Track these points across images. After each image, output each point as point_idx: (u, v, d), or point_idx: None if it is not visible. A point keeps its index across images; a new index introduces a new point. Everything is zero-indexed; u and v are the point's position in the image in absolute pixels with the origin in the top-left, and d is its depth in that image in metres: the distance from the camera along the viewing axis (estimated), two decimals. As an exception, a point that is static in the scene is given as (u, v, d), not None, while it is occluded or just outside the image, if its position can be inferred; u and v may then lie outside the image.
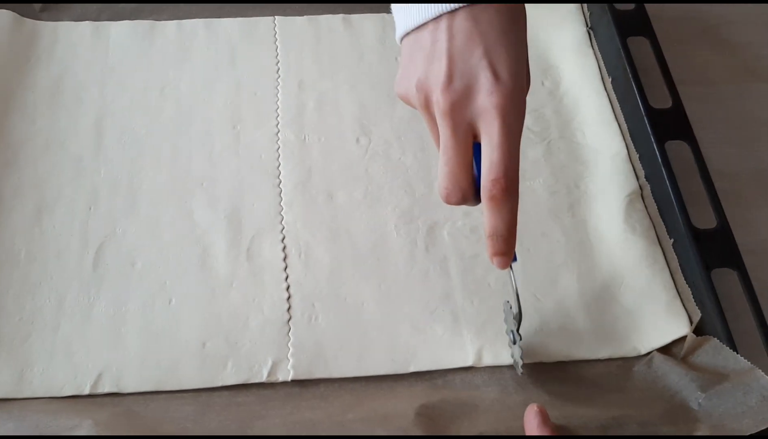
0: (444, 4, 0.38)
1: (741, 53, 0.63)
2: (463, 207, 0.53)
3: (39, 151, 0.55)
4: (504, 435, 0.41)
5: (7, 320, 0.48)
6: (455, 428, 0.42)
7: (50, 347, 0.47)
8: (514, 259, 0.41)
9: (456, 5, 0.38)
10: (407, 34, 0.41)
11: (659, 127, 0.53)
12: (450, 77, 0.38)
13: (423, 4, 0.39)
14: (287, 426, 0.42)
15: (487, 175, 0.38)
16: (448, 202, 0.41)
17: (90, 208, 0.52)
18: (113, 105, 0.58)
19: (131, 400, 0.45)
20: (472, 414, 0.43)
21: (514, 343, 0.46)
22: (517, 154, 0.39)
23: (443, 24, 0.39)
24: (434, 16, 0.39)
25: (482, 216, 0.40)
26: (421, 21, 0.39)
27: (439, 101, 0.38)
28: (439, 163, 0.40)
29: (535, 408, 0.41)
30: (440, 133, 0.40)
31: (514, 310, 0.45)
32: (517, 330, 0.45)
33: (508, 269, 0.42)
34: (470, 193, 0.40)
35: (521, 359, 0.45)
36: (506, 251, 0.40)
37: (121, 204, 0.53)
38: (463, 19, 0.38)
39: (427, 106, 0.40)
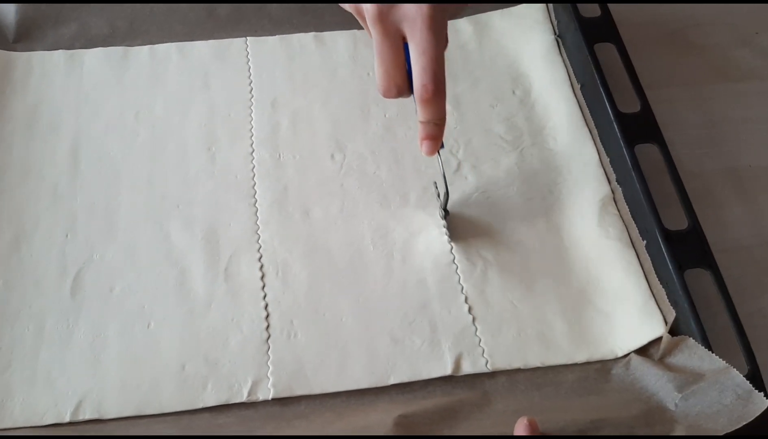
0: None
1: (708, 54, 0.64)
2: (437, 218, 0.54)
3: (16, 180, 0.55)
4: (505, 435, 0.41)
5: (-14, 351, 0.48)
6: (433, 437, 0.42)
7: (30, 375, 0.47)
8: (441, 146, 0.49)
9: None
10: None
11: (628, 131, 0.54)
12: None
13: None
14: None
15: (417, 80, 0.44)
16: (386, 97, 0.47)
17: (67, 235, 0.53)
18: (89, 131, 0.58)
19: (113, 426, 0.45)
20: (450, 422, 0.43)
21: (444, 219, 0.53)
22: (443, 58, 0.45)
23: None
24: None
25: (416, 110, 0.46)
26: None
27: (368, 9, 0.44)
28: (375, 63, 0.46)
29: (525, 421, 0.41)
30: (373, 38, 0.45)
31: (441, 190, 0.52)
32: (445, 207, 0.52)
33: (436, 156, 0.49)
34: (404, 88, 0.46)
35: (448, 232, 0.52)
36: (436, 135, 0.47)
37: (98, 229, 0.53)
38: None
39: (362, 15, 0.46)
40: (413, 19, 0.43)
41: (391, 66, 0.45)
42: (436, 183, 0.54)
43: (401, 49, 0.45)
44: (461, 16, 0.65)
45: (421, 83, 0.44)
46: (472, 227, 0.54)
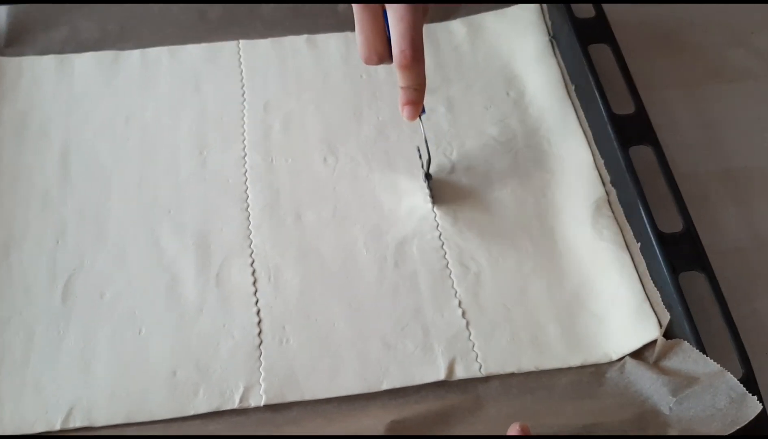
0: None
1: (703, 55, 0.64)
2: (431, 221, 0.53)
3: (6, 186, 0.55)
4: (503, 435, 0.41)
5: (-26, 359, 0.47)
6: (426, 443, 0.42)
7: (20, 383, 0.47)
8: (423, 111, 0.50)
9: None
10: None
11: (622, 133, 0.53)
12: None
13: None
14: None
15: (395, 47, 0.45)
16: (367, 64, 0.48)
17: (58, 241, 0.52)
18: (79, 137, 0.58)
19: (103, 433, 0.45)
20: (443, 427, 0.43)
21: (427, 183, 0.54)
22: (420, 25, 0.45)
23: None
24: None
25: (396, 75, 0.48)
26: None
27: None
28: (356, 31, 0.46)
29: (517, 426, 0.40)
30: (353, 6, 0.46)
31: (424, 155, 0.53)
32: (427, 170, 0.54)
33: (417, 120, 0.50)
34: (385, 55, 0.47)
35: (431, 195, 0.54)
36: (416, 100, 0.48)
37: (89, 235, 0.53)
38: None
39: None
40: None
41: (370, 33, 0.46)
42: (419, 148, 0.55)
43: (380, 17, 0.46)
44: (455, 18, 0.65)
45: (399, 49, 0.45)
46: (466, 229, 0.53)
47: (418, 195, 0.55)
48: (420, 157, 0.55)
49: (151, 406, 0.46)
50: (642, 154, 0.53)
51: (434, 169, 0.56)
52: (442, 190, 0.55)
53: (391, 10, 0.45)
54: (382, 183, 0.56)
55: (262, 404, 0.46)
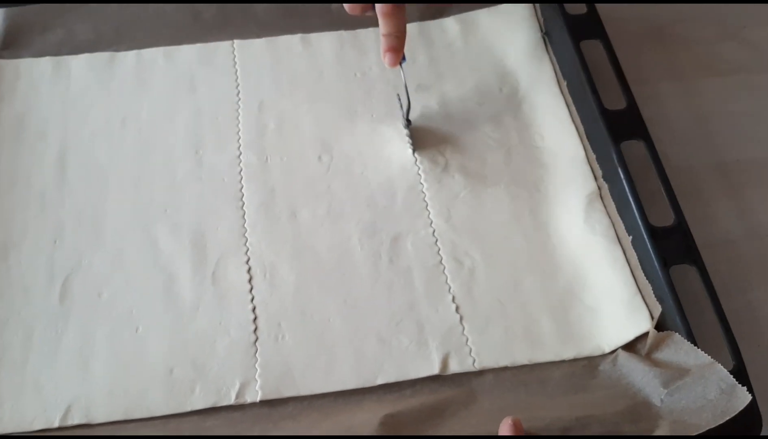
0: None
1: (695, 49, 0.64)
2: (425, 218, 0.54)
3: (4, 188, 0.56)
4: (489, 435, 0.41)
5: (-26, 358, 0.48)
6: (420, 436, 0.42)
7: (19, 382, 0.47)
8: (404, 59, 0.54)
9: None
10: None
11: (614, 128, 0.54)
12: None
13: None
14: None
15: None
16: (351, 13, 0.52)
17: (55, 242, 0.53)
18: (76, 138, 0.58)
19: (101, 430, 0.45)
20: (437, 421, 0.43)
21: (406, 128, 0.57)
22: None
23: None
24: None
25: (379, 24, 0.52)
26: None
27: None
28: None
29: (509, 421, 0.40)
30: None
31: (404, 102, 0.56)
32: (407, 117, 0.57)
33: (398, 68, 0.54)
34: (369, 5, 0.52)
35: (411, 143, 0.57)
36: (397, 47, 0.52)
37: (86, 236, 0.53)
38: None
39: None
40: None
41: None
42: (399, 95, 0.57)
43: None
44: (448, 15, 0.65)
45: None
46: (460, 225, 0.54)
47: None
48: (401, 105, 0.57)
49: (149, 403, 0.46)
50: (634, 148, 0.53)
51: (428, 165, 0.56)
52: (436, 185, 0.55)
53: None
54: (376, 180, 0.56)
55: (258, 399, 0.46)
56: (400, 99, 0.57)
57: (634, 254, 0.50)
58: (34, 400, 0.46)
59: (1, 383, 0.47)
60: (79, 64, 0.62)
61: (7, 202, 0.55)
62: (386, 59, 0.53)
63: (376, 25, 0.65)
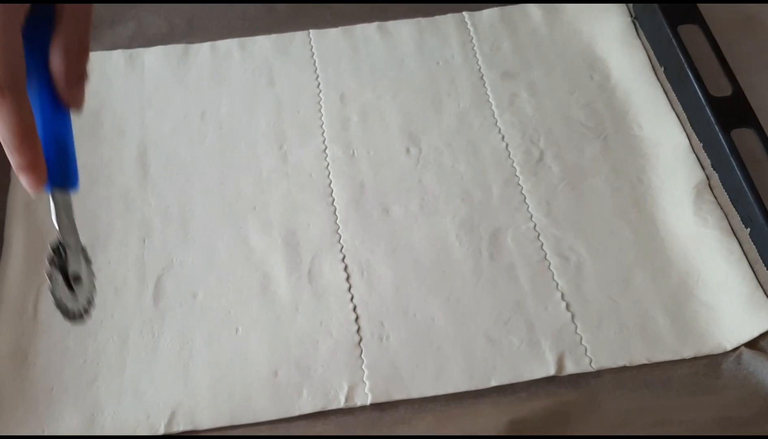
0: None
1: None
2: (524, 212, 0.52)
3: (86, 186, 0.53)
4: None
5: (72, 363, 0.46)
6: (551, 443, 0.40)
7: (118, 387, 0.46)
8: (58, 182, 0.35)
9: None
10: None
11: (722, 116, 0.51)
12: None
13: None
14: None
15: None
16: None
17: (144, 241, 0.51)
18: (155, 134, 0.57)
19: (207, 436, 0.44)
20: (564, 425, 0.42)
21: (71, 289, 0.38)
22: (13, 44, 0.33)
23: None
24: None
25: None
26: None
27: None
28: None
29: None
30: None
31: (63, 251, 0.37)
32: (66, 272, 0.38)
33: (48, 196, 0.36)
34: None
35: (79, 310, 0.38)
36: (26, 164, 0.34)
37: (175, 234, 0.52)
38: None
39: None
40: None
41: None
42: (58, 240, 0.37)
43: None
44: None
45: None
46: (561, 219, 0.51)
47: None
48: (57, 250, 0.37)
49: (255, 408, 0.45)
50: (741, 138, 0.51)
51: (522, 156, 0.54)
52: (532, 178, 0.53)
53: None
54: (468, 173, 0.54)
55: (368, 402, 0.45)
56: (59, 247, 0.37)
57: (753, 246, 0.48)
58: (136, 406, 0.45)
59: (100, 389, 0.45)
60: (153, 57, 0.61)
61: (90, 201, 0.53)
62: (23, 183, 0.34)
63: (454, 11, 0.63)
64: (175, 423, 0.44)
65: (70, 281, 0.38)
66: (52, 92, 0.36)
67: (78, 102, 0.37)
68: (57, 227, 0.37)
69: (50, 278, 0.37)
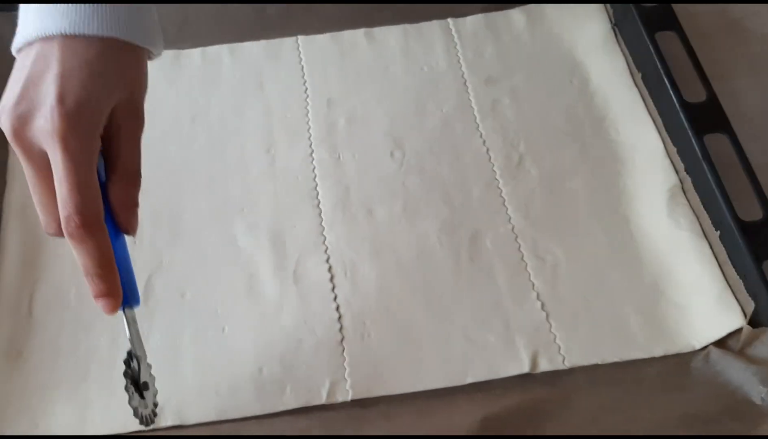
0: (40, 30, 0.37)
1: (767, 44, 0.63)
2: (503, 214, 0.53)
3: (78, 188, 0.55)
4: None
5: (64, 360, 0.48)
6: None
7: (108, 383, 0.47)
8: (128, 301, 0.40)
9: (49, 33, 0.37)
10: (18, 51, 0.39)
11: (696, 121, 0.53)
12: (18, 101, 0.36)
13: (26, 27, 0.38)
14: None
15: (60, 212, 0.36)
16: (49, 234, 0.38)
17: (134, 242, 0.53)
18: (146, 136, 0.57)
19: (195, 431, 0.45)
20: (536, 422, 0.43)
21: (142, 396, 0.43)
22: (91, 185, 0.37)
23: (35, 49, 0.38)
24: (29, 40, 0.38)
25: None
26: (21, 43, 0.38)
27: (3, 125, 0.37)
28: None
29: None
30: (23, 166, 0.38)
31: (135, 363, 0.42)
32: (138, 382, 0.43)
33: (121, 313, 0.40)
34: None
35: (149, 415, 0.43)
36: (106, 291, 0.38)
37: (165, 236, 0.53)
38: (52, 45, 0.37)
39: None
40: (47, 138, 0.36)
41: (43, 195, 0.38)
42: (129, 352, 0.42)
43: (51, 173, 0.37)
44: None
45: (63, 216, 0.36)
46: (539, 221, 0.53)
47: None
48: (129, 363, 0.42)
49: (240, 403, 0.46)
50: (714, 143, 0.53)
51: (502, 160, 0.56)
52: (512, 181, 0.55)
53: (53, 167, 0.36)
54: (450, 176, 0.56)
55: (349, 398, 0.46)
56: (130, 357, 0.42)
57: (723, 249, 0.49)
58: (125, 402, 0.46)
59: (91, 385, 0.47)
60: (145, 62, 0.62)
61: (83, 202, 0.55)
62: (101, 306, 0.39)
63: (439, 18, 0.65)
64: (163, 418, 0.46)
65: (141, 389, 0.43)
66: (111, 220, 0.39)
67: (135, 228, 0.41)
68: (130, 341, 0.41)
69: (127, 390, 0.42)
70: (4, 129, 0.37)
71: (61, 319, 0.50)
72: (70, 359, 0.48)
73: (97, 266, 0.37)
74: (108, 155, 0.39)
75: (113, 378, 0.47)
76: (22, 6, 0.40)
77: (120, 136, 0.39)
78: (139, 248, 0.53)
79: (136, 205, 0.41)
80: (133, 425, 0.45)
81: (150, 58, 0.42)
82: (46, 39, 0.37)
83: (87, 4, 0.38)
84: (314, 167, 0.57)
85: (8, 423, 0.45)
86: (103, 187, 0.39)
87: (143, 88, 0.42)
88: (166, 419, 0.46)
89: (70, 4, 0.37)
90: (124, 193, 0.40)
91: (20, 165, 0.38)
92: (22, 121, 0.36)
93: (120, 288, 0.39)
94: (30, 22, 0.38)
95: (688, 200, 0.53)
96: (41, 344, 0.48)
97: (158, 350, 0.48)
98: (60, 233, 0.38)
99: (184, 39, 0.64)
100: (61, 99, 0.36)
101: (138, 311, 0.49)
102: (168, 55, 0.63)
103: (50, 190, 0.37)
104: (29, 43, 0.38)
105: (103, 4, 0.38)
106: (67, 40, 0.37)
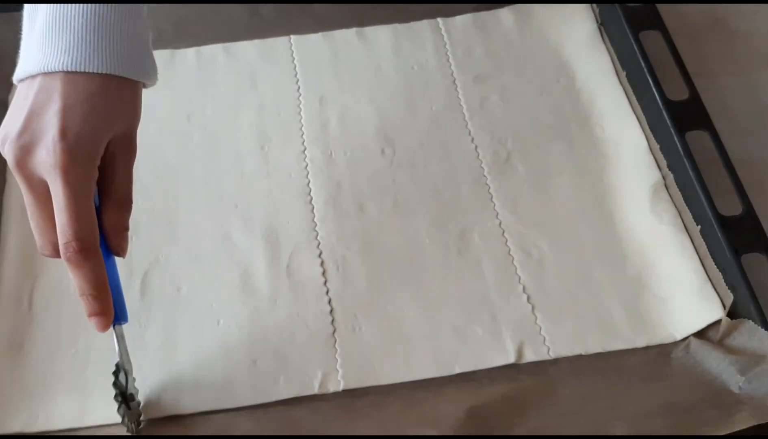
0: (42, 65, 0.39)
1: (752, 41, 0.64)
2: (491, 210, 0.55)
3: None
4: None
5: (64, 353, 0.49)
6: (506, 426, 0.43)
7: (107, 375, 0.48)
8: (118, 319, 0.43)
9: (52, 69, 0.39)
10: (20, 81, 0.41)
11: (678, 119, 0.54)
12: (21, 132, 0.39)
13: (29, 59, 0.40)
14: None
15: (60, 238, 0.39)
16: (45, 256, 0.41)
17: (132, 238, 0.54)
18: (142, 135, 0.58)
19: (190, 420, 0.47)
20: (520, 410, 0.44)
21: (129, 408, 0.45)
22: (89, 214, 0.40)
23: (37, 82, 0.40)
24: (32, 73, 0.40)
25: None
26: (23, 75, 0.40)
27: (7, 155, 0.39)
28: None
29: None
30: (23, 193, 0.40)
31: (122, 377, 0.45)
32: (125, 401, 0.45)
33: (111, 331, 0.43)
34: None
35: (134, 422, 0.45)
36: (100, 310, 0.41)
37: (161, 232, 0.55)
38: (54, 79, 0.39)
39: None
40: (49, 170, 0.38)
41: (41, 220, 0.40)
42: (117, 365, 0.45)
43: (51, 200, 0.39)
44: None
45: (62, 242, 0.39)
46: (526, 216, 0.54)
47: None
48: (117, 376, 0.45)
49: (235, 393, 0.48)
50: (695, 140, 0.54)
51: (490, 157, 0.57)
52: (500, 177, 0.56)
53: (54, 196, 0.39)
54: (439, 173, 0.57)
55: (340, 389, 0.48)
56: (119, 374, 0.45)
57: (703, 243, 0.51)
58: (122, 392, 0.48)
59: (90, 377, 0.49)
60: (141, 61, 0.63)
61: (81, 199, 0.56)
62: (93, 324, 0.41)
63: (429, 17, 0.66)
64: (160, 407, 0.47)
65: (127, 400, 0.45)
66: (103, 243, 0.42)
67: (125, 250, 0.44)
68: (119, 355, 0.45)
69: (115, 399, 0.44)
70: (7, 158, 0.39)
71: (60, 313, 0.51)
72: (70, 351, 0.49)
73: (92, 288, 0.40)
74: (102, 183, 0.42)
75: (111, 370, 0.48)
76: (24, 35, 0.42)
77: (115, 165, 0.42)
78: (136, 244, 0.54)
79: (126, 229, 0.43)
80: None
81: (145, 87, 0.45)
82: (49, 73, 0.39)
83: (88, 43, 0.40)
84: (307, 165, 0.58)
85: (10, 414, 0.47)
86: (96, 211, 0.41)
87: (137, 120, 0.44)
88: (163, 409, 0.47)
89: (71, 42, 0.39)
90: (117, 218, 0.43)
91: None
92: (25, 151, 0.39)
93: (112, 307, 0.42)
94: (33, 55, 0.40)
95: (670, 196, 0.54)
96: (41, 338, 0.50)
97: (155, 342, 0.50)
98: (54, 255, 0.40)
99: (179, 39, 0.65)
100: (63, 133, 0.38)
101: (136, 304, 0.51)
102: (164, 54, 0.64)
103: (48, 216, 0.40)
104: (32, 76, 0.40)
105: (105, 42, 0.40)
106: (69, 75, 0.39)
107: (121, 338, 0.45)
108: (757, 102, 0.61)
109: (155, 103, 0.60)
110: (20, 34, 0.43)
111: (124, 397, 0.45)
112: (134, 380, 0.46)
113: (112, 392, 0.47)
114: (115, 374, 0.45)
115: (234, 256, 0.53)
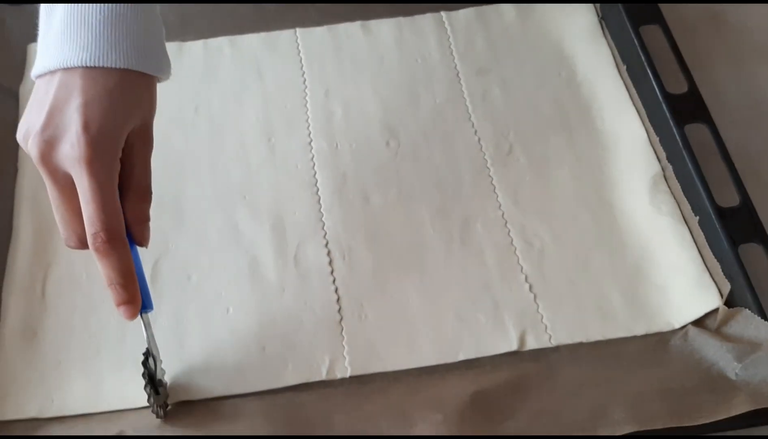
0: (62, 61, 0.40)
1: (749, 35, 0.65)
2: (493, 200, 0.56)
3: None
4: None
5: (77, 338, 0.51)
6: (509, 410, 0.45)
7: (118, 361, 0.50)
8: (146, 307, 0.43)
9: (71, 64, 0.40)
10: (38, 77, 0.42)
11: (677, 111, 0.55)
12: (44, 127, 0.40)
13: (48, 55, 0.41)
14: (352, 421, 0.45)
15: (87, 229, 0.40)
16: (70, 247, 0.42)
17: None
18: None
19: (202, 404, 0.48)
20: (522, 395, 0.46)
21: (157, 393, 0.46)
22: (114, 204, 0.41)
23: (57, 77, 0.41)
24: (51, 69, 0.41)
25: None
26: (42, 71, 0.41)
27: (31, 150, 0.40)
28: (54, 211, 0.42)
29: None
30: (46, 184, 0.41)
31: (152, 363, 0.46)
32: (155, 386, 0.46)
33: (138, 319, 0.43)
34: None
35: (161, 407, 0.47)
36: (128, 299, 0.42)
37: (170, 221, 0.56)
38: (73, 75, 0.40)
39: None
40: (73, 163, 0.39)
41: (66, 212, 0.41)
42: (147, 351, 0.46)
43: (76, 195, 0.40)
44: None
45: (90, 233, 0.40)
46: (527, 207, 0.56)
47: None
48: (146, 363, 0.45)
49: (245, 379, 0.49)
50: (694, 132, 0.55)
51: (493, 149, 0.58)
52: (502, 169, 0.57)
53: (79, 190, 0.40)
54: (443, 164, 0.58)
55: (348, 375, 0.49)
56: (147, 355, 0.46)
57: (701, 233, 0.52)
58: (135, 376, 0.48)
59: (102, 361, 0.50)
60: (149, 53, 0.64)
61: (91, 189, 0.57)
62: (121, 313, 0.42)
63: (434, 10, 0.67)
64: (171, 393, 0.48)
65: (156, 386, 0.46)
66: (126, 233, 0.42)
67: (147, 240, 0.45)
68: (147, 341, 0.46)
69: (145, 388, 0.45)
70: (31, 153, 0.40)
71: (73, 300, 0.52)
72: (83, 337, 0.51)
73: (120, 277, 0.41)
74: (122, 175, 0.43)
75: (124, 354, 0.50)
76: (41, 32, 0.43)
77: (134, 157, 0.43)
78: (146, 233, 0.55)
79: (148, 219, 0.44)
80: (143, 397, 0.48)
81: (159, 81, 0.46)
82: (68, 69, 0.40)
83: (106, 39, 0.41)
84: (313, 156, 0.59)
85: (26, 399, 0.48)
86: None
87: (153, 112, 0.45)
88: (177, 394, 0.48)
89: (90, 38, 0.40)
90: (138, 208, 0.44)
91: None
92: (49, 146, 0.40)
93: (140, 296, 0.42)
94: (51, 51, 0.41)
95: (669, 187, 0.55)
96: (55, 324, 0.51)
97: (166, 330, 0.51)
98: (80, 246, 0.42)
99: (186, 32, 0.66)
100: (86, 127, 0.39)
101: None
102: (171, 47, 0.64)
103: (73, 208, 0.41)
104: (51, 72, 0.41)
105: (121, 39, 0.41)
106: (88, 70, 0.41)
107: (148, 326, 0.46)
108: (754, 95, 0.62)
109: (163, 95, 0.61)
110: (29, 26, 0.44)
111: (153, 382, 0.46)
112: (162, 365, 0.48)
113: (126, 376, 0.48)
114: (144, 360, 0.46)
115: (242, 245, 0.54)
